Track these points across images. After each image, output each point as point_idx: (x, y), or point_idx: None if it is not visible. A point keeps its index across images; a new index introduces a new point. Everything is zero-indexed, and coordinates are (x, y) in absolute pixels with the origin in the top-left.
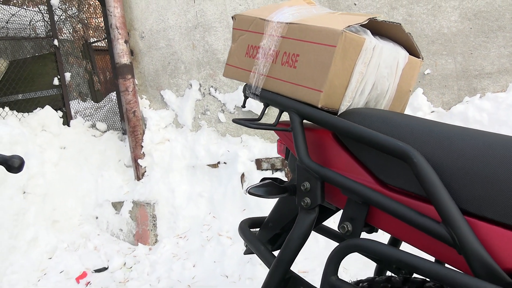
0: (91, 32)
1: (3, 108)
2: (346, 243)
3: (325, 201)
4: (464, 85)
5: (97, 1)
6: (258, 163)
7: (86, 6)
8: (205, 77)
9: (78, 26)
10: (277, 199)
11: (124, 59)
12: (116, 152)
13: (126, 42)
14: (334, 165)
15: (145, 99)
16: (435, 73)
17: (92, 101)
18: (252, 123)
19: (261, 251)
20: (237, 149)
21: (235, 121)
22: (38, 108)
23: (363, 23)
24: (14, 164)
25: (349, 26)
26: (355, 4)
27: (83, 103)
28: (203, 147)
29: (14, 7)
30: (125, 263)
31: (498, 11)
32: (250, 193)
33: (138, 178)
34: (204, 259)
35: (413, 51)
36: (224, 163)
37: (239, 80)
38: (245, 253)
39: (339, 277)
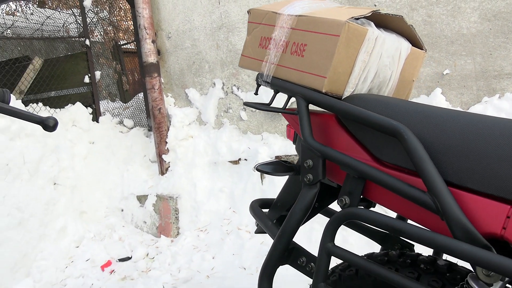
0: (121, 34)
1: (37, 103)
2: (342, 212)
3: (326, 178)
4: (483, 85)
5: (127, 4)
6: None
7: (117, 9)
8: (228, 76)
9: (109, 28)
10: (286, 181)
11: (151, 58)
12: (142, 147)
13: (153, 42)
14: (335, 145)
15: (170, 97)
16: (454, 73)
17: (120, 102)
18: (263, 106)
19: (269, 226)
20: (258, 146)
21: (247, 104)
22: (69, 105)
23: (367, 15)
24: (49, 123)
25: (352, 17)
26: (375, 5)
27: (112, 103)
28: (225, 144)
29: (49, 10)
30: (147, 254)
31: None
32: (258, 170)
33: (162, 173)
34: (223, 252)
35: (416, 43)
36: (245, 159)
37: (252, 70)
38: (256, 232)
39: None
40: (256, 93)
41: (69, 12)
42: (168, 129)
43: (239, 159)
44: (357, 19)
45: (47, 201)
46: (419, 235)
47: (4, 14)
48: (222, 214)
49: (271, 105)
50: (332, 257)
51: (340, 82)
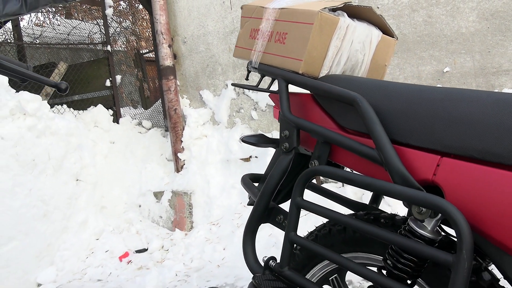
0: (143, 43)
1: (62, 105)
2: (309, 169)
3: (300, 147)
4: (482, 82)
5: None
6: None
7: (140, 19)
8: (239, 78)
9: (132, 37)
10: (272, 157)
11: (168, 62)
12: (159, 147)
13: (169, 46)
14: (309, 118)
15: (185, 98)
16: (454, 71)
17: (142, 108)
18: (250, 86)
19: (256, 194)
20: None
21: (235, 84)
22: (92, 107)
23: (339, 6)
24: (62, 86)
25: (325, 8)
26: (378, 7)
27: (134, 109)
28: (237, 143)
29: (76, 20)
30: (163, 246)
31: None
32: (243, 141)
33: (178, 170)
34: (234, 243)
35: (387, 32)
36: (256, 157)
37: (244, 59)
38: (248, 204)
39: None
40: (246, 79)
41: (94, 22)
42: (184, 129)
43: (250, 157)
44: (334, 10)
45: (70, 195)
46: (364, 182)
47: (33, 25)
48: (234, 208)
49: (258, 86)
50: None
51: (316, 64)
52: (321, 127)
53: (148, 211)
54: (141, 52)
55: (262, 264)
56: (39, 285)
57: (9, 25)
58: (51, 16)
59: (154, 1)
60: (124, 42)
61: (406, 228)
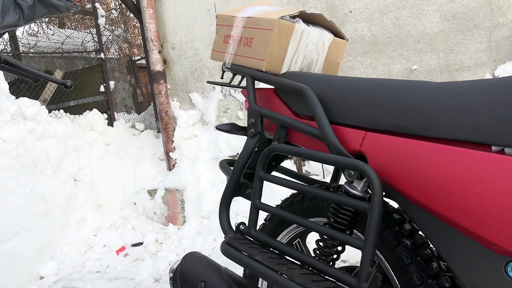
0: (136, 50)
1: (59, 110)
2: (269, 147)
3: (264, 132)
4: (447, 78)
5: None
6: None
7: (131, 27)
8: (226, 81)
9: (124, 45)
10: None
11: (158, 67)
12: (152, 147)
13: (159, 52)
14: (271, 108)
15: (176, 101)
16: (421, 68)
17: (136, 113)
18: (224, 84)
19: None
20: None
21: (210, 82)
22: (87, 111)
23: (295, 14)
24: (68, 84)
25: (284, 16)
26: (350, 11)
27: (128, 115)
28: (225, 141)
29: (69, 30)
30: (157, 239)
31: (473, 12)
32: (218, 128)
33: (170, 168)
34: (223, 235)
35: (338, 34)
36: None
37: (219, 60)
38: None
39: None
40: (221, 77)
41: (87, 31)
42: (174, 130)
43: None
44: (294, 17)
45: (69, 194)
46: (309, 154)
47: (28, 36)
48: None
49: (230, 83)
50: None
51: (277, 64)
52: (279, 114)
53: (143, 208)
54: (133, 59)
55: (234, 228)
56: (41, 277)
57: (5, 35)
58: (44, 26)
59: (144, 10)
60: (117, 50)
61: (342, 190)
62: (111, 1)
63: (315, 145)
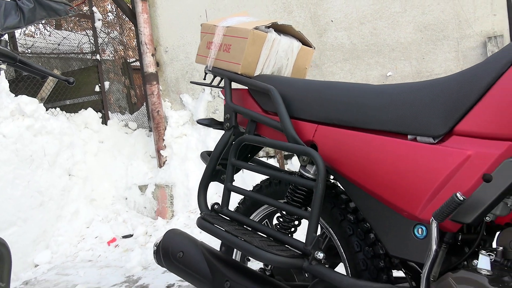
0: (131, 52)
1: (55, 109)
2: (239, 137)
3: (239, 126)
4: None
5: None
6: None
7: (127, 30)
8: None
9: (120, 47)
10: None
11: (151, 69)
12: (143, 145)
13: (153, 55)
14: (244, 105)
15: (167, 101)
16: (395, 75)
17: (129, 114)
18: (206, 84)
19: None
20: None
21: (193, 82)
22: (82, 110)
23: (268, 25)
24: (70, 81)
25: (257, 27)
26: (332, 21)
27: (122, 115)
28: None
29: (66, 31)
30: (146, 232)
31: (443, 24)
32: (198, 122)
33: (160, 165)
34: None
35: (306, 43)
36: None
37: (203, 64)
38: None
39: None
40: (204, 79)
41: (83, 33)
42: (165, 129)
43: None
44: (268, 27)
45: (63, 188)
46: (271, 143)
47: (25, 36)
48: (210, 198)
49: (211, 84)
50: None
51: (251, 68)
52: (250, 111)
53: (134, 202)
54: (128, 61)
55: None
56: (36, 265)
57: (5, 36)
58: (41, 27)
59: (139, 15)
60: (112, 52)
61: (298, 174)
62: (108, 5)
63: (278, 136)
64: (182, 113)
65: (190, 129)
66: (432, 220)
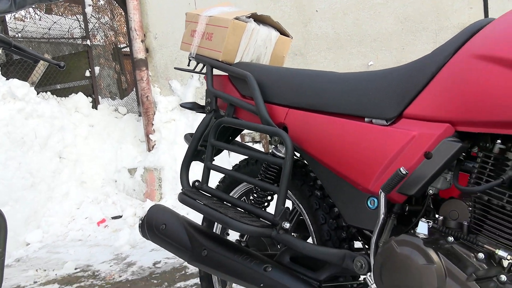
0: (121, 38)
1: (46, 93)
2: (219, 120)
3: (219, 109)
4: None
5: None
6: (242, 137)
7: (118, 15)
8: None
9: (110, 33)
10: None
11: (140, 55)
12: (133, 129)
13: (142, 41)
14: (224, 90)
15: (156, 87)
16: (377, 64)
17: (120, 100)
18: (189, 70)
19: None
20: None
21: (177, 68)
22: (73, 94)
23: (248, 15)
24: (61, 65)
25: (237, 17)
26: (316, 10)
27: (112, 101)
28: None
29: (56, 16)
30: (135, 213)
31: (422, 16)
32: (182, 106)
33: (149, 149)
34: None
35: (284, 33)
36: None
37: (187, 51)
38: None
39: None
40: (188, 65)
41: (74, 18)
42: (154, 114)
43: None
44: (248, 17)
45: (54, 170)
46: (246, 124)
47: (15, 20)
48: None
49: (194, 70)
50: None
51: (231, 55)
52: (229, 95)
53: (123, 185)
54: (119, 46)
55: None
56: (27, 244)
57: None
58: (31, 11)
59: (128, 1)
60: (103, 37)
61: (270, 153)
62: None
63: (254, 119)
64: (171, 98)
65: (179, 114)
66: (381, 192)
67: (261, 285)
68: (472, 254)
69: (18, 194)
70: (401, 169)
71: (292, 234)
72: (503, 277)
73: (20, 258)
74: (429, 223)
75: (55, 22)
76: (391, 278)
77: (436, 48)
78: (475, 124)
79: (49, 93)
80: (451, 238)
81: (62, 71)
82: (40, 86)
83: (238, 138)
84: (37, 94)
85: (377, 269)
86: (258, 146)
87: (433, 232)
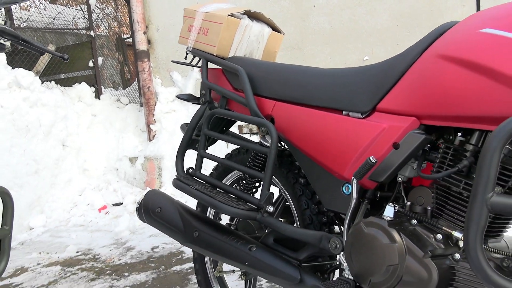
0: (125, 29)
1: (50, 82)
2: (211, 111)
3: (213, 101)
4: None
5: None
6: (240, 128)
7: (122, 6)
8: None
9: (114, 23)
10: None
11: (142, 46)
12: (135, 119)
13: (144, 33)
14: (218, 83)
15: (158, 78)
16: (372, 59)
17: (122, 90)
18: (186, 63)
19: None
20: None
21: (175, 61)
22: (76, 84)
23: (242, 12)
24: (65, 57)
25: (232, 13)
26: (314, 6)
27: (115, 91)
28: None
29: (61, 6)
30: (135, 201)
31: (417, 12)
32: (177, 97)
33: (150, 139)
34: None
35: (276, 29)
36: None
37: (184, 45)
38: None
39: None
40: (185, 58)
41: (78, 8)
42: (155, 104)
43: None
44: (243, 14)
45: (57, 158)
46: (236, 115)
47: (20, 10)
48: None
49: (190, 63)
50: None
51: (225, 50)
52: (222, 88)
53: (124, 173)
54: (122, 37)
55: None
56: (31, 228)
57: (2, 11)
58: (36, 1)
59: None
60: (107, 27)
61: (259, 142)
62: None
63: (244, 111)
64: (172, 89)
65: (179, 105)
66: (353, 178)
67: (246, 263)
68: (432, 235)
69: (23, 180)
70: (371, 157)
71: (280, 219)
72: (457, 256)
73: (24, 241)
74: (396, 207)
75: (59, 12)
76: (359, 256)
77: (407, 48)
78: (437, 118)
79: (53, 82)
80: (414, 221)
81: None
82: (45, 76)
83: (236, 130)
84: (42, 83)
85: (348, 248)
86: (256, 138)
87: (399, 216)
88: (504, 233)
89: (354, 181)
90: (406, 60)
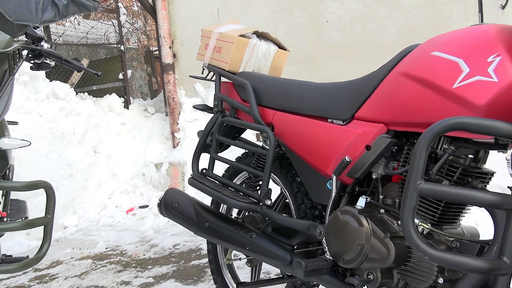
0: (153, 42)
1: (84, 93)
2: (222, 119)
3: (224, 110)
4: None
5: None
6: (257, 136)
7: (150, 20)
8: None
9: (143, 37)
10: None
11: (168, 60)
12: (160, 128)
13: (170, 47)
14: (228, 95)
15: (182, 89)
16: None
17: (150, 100)
18: (202, 77)
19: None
20: None
21: (192, 76)
22: (107, 95)
23: (251, 32)
24: (99, 74)
25: (242, 34)
26: (327, 21)
27: (143, 101)
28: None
29: (93, 21)
30: None
31: (423, 27)
32: (194, 107)
33: (174, 146)
34: None
35: (282, 47)
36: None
37: (201, 61)
38: None
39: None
40: (202, 73)
41: (110, 23)
42: (180, 114)
43: None
44: (253, 34)
45: (89, 163)
46: (241, 123)
47: (56, 25)
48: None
49: (206, 77)
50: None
51: (236, 66)
52: (232, 99)
53: (150, 178)
54: (151, 49)
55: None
56: (65, 227)
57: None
58: (71, 17)
59: (159, 12)
60: (136, 41)
61: (261, 146)
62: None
63: (249, 119)
64: (195, 100)
65: (201, 114)
66: (333, 175)
67: (247, 248)
68: (395, 222)
69: (58, 183)
70: (346, 157)
71: (283, 214)
72: None
73: (59, 238)
74: (367, 199)
75: (92, 27)
76: (335, 238)
77: (380, 66)
78: (399, 124)
79: (86, 93)
80: (382, 210)
81: None
82: (79, 87)
83: (253, 137)
84: (76, 94)
85: (327, 233)
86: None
87: (370, 206)
88: (460, 221)
89: (334, 177)
90: (378, 77)
